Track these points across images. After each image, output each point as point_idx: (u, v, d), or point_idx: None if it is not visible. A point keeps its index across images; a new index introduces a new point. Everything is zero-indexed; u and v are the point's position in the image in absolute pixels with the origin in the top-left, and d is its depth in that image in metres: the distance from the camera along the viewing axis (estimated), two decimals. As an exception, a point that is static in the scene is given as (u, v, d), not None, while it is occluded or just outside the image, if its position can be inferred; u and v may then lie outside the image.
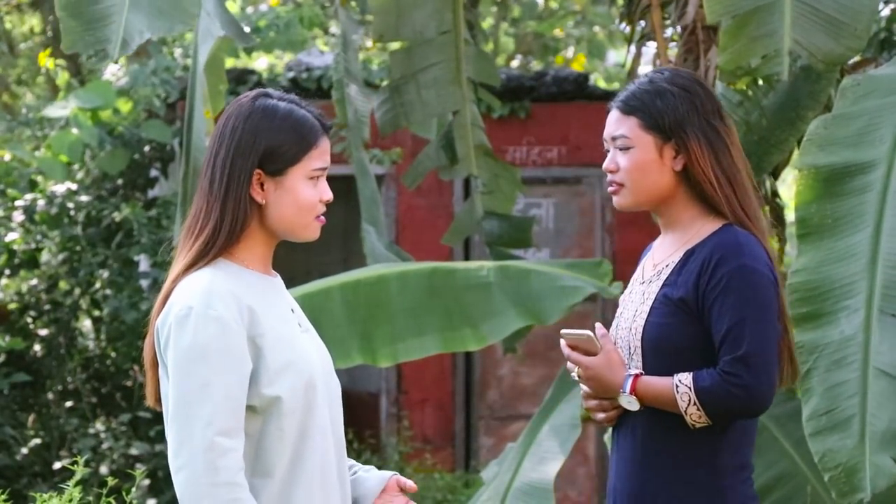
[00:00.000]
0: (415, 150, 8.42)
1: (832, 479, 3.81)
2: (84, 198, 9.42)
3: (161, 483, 8.93)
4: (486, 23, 14.30)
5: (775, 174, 6.17)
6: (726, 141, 3.45)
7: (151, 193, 9.75)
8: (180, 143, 9.46)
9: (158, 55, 9.96)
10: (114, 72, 9.52)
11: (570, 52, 15.66)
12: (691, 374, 3.32)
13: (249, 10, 12.26)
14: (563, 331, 3.48)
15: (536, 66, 14.84)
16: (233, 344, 2.94)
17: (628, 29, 6.56)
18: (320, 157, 3.07)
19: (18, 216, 9.38)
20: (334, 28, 12.61)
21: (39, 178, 9.59)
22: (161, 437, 8.86)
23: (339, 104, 7.05)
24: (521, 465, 5.36)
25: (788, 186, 13.40)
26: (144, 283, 9.24)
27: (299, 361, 3.02)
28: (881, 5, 7.25)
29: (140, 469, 4.50)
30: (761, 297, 3.33)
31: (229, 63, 11.32)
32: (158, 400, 3.05)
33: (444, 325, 5.48)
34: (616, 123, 3.48)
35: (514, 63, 15.03)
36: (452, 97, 6.89)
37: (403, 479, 3.16)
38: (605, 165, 3.50)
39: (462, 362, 10.44)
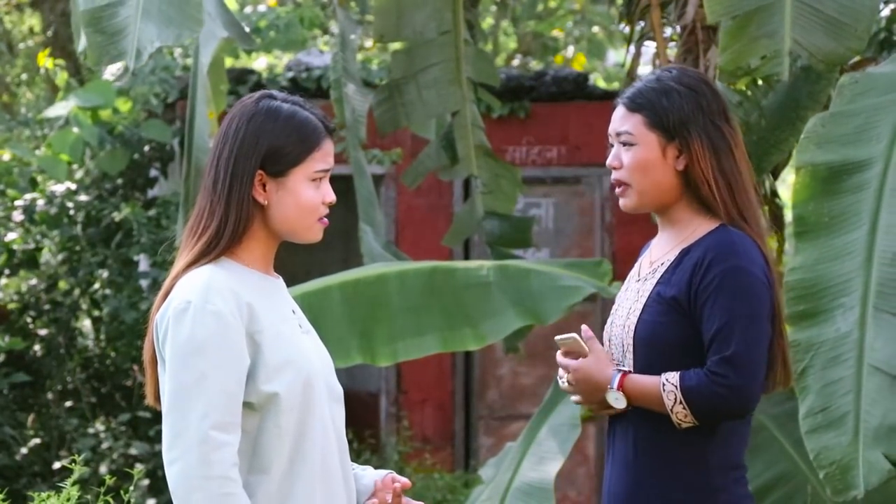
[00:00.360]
0: (415, 150, 8.42)
1: (827, 476, 3.82)
2: (84, 197, 9.42)
3: (160, 483, 8.92)
4: (486, 23, 14.30)
5: (775, 174, 6.18)
6: (730, 143, 3.45)
7: (151, 193, 9.75)
8: (180, 142, 9.47)
9: (158, 55, 9.95)
10: (113, 71, 9.51)
11: (569, 51, 15.67)
12: (678, 373, 3.33)
13: (249, 10, 12.26)
14: (557, 337, 3.49)
15: (536, 65, 14.84)
16: (230, 339, 2.95)
17: (628, 29, 6.56)
18: (323, 158, 3.07)
19: (18, 216, 9.37)
20: (334, 28, 12.61)
21: (39, 178, 9.59)
22: (160, 437, 8.83)
23: (338, 104, 7.05)
24: (521, 464, 5.36)
25: (788, 187, 13.39)
26: (144, 282, 9.24)
27: (298, 359, 3.02)
28: (881, 5, 7.25)
29: (139, 469, 4.50)
30: (752, 298, 3.33)
31: (229, 63, 11.32)
32: (158, 398, 3.05)
33: (444, 324, 5.49)
34: (621, 120, 3.47)
35: (514, 63, 15.03)
36: (452, 97, 6.89)
37: (398, 477, 3.17)
38: (608, 161, 3.49)
39: (462, 362, 10.44)
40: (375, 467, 3.23)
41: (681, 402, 3.31)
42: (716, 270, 3.33)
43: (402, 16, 6.79)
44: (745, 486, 3.43)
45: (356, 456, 9.25)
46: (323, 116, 3.11)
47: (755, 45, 4.68)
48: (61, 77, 10.00)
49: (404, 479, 3.16)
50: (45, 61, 10.37)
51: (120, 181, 9.63)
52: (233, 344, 2.95)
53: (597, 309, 9.93)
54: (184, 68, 10.08)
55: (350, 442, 9.70)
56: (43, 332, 9.43)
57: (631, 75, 6.58)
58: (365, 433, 10.07)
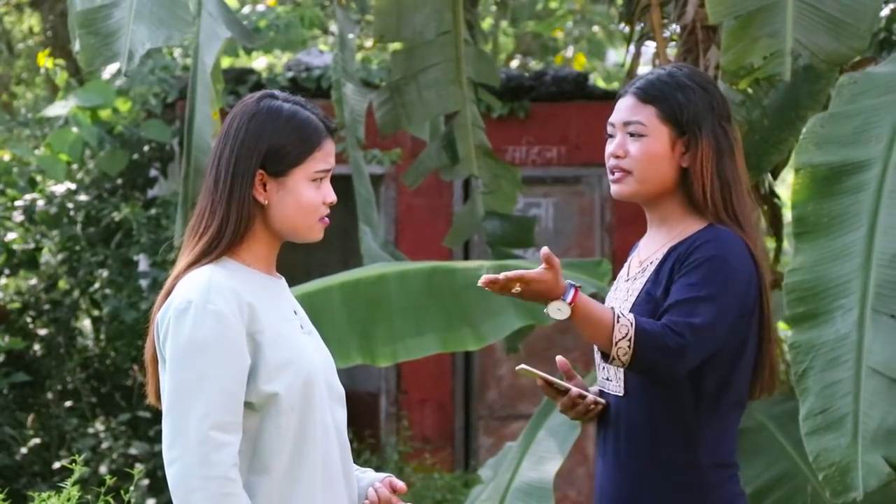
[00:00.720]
0: (415, 150, 8.42)
1: (826, 478, 3.82)
2: (83, 197, 9.42)
3: (160, 483, 8.92)
4: (487, 23, 14.30)
5: (774, 174, 6.18)
6: (732, 146, 3.44)
7: (151, 193, 9.75)
8: (180, 142, 9.47)
9: (157, 55, 9.95)
10: (112, 72, 9.51)
11: (569, 51, 15.67)
12: (634, 314, 3.28)
13: (248, 9, 12.25)
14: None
15: (536, 65, 14.84)
16: (231, 339, 2.95)
17: (627, 29, 6.56)
18: (324, 158, 3.07)
19: (18, 216, 9.38)
20: (334, 28, 12.61)
21: (39, 178, 9.59)
22: (160, 437, 8.82)
23: (338, 104, 7.05)
24: (521, 464, 5.36)
25: (788, 186, 13.39)
26: (144, 282, 9.24)
27: (298, 360, 3.02)
28: (882, 5, 7.24)
29: (139, 469, 4.50)
30: (728, 284, 3.30)
31: (228, 62, 11.32)
32: (159, 398, 3.05)
33: (444, 324, 5.48)
34: (631, 109, 3.44)
35: (514, 63, 15.03)
36: (452, 97, 6.89)
37: (395, 480, 3.16)
38: (611, 150, 3.45)
39: (461, 362, 10.44)
40: (375, 467, 3.23)
41: (629, 339, 3.24)
42: (697, 255, 3.33)
43: (401, 16, 6.79)
44: (737, 483, 3.43)
45: (356, 456, 9.25)
46: (324, 116, 3.11)
47: (757, 45, 4.68)
48: (61, 77, 10.00)
49: (400, 484, 3.16)
50: (44, 61, 10.37)
51: (120, 181, 9.63)
52: (233, 344, 2.95)
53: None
54: (183, 68, 10.08)
55: (350, 442, 9.68)
56: (43, 331, 9.43)
57: (631, 75, 6.58)
58: (365, 433, 10.08)
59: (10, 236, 9.34)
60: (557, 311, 3.27)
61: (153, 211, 9.28)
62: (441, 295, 5.51)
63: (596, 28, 15.61)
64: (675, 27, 6.17)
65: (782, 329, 7.30)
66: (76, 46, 5.22)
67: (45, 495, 4.04)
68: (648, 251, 3.49)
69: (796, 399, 4.29)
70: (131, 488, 4.21)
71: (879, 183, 4.09)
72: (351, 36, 7.33)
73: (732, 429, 3.42)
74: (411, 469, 9.82)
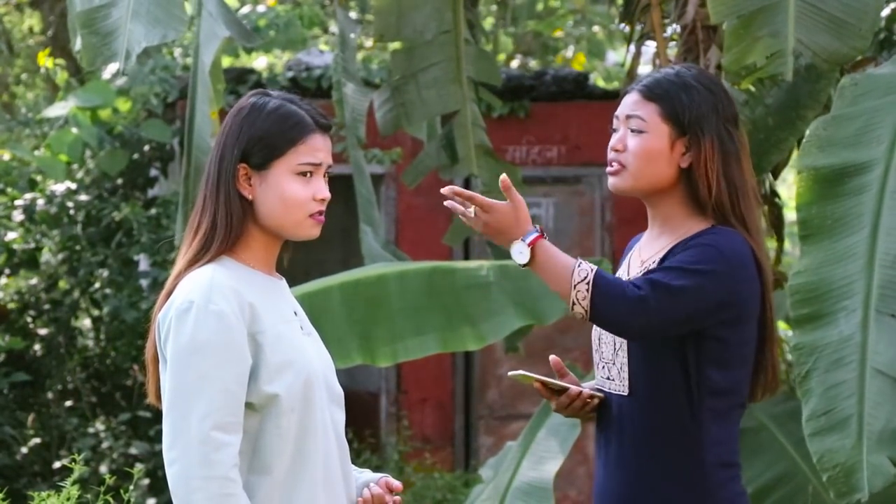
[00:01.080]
0: (415, 150, 8.41)
1: (830, 479, 3.82)
2: (84, 197, 9.42)
3: (160, 482, 8.92)
4: (487, 22, 14.30)
5: (775, 174, 6.18)
6: (738, 150, 3.44)
7: (151, 193, 9.75)
8: (180, 142, 9.46)
9: (157, 54, 9.95)
10: (112, 71, 9.51)
11: (569, 51, 15.66)
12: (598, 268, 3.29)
13: (247, 9, 12.25)
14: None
15: (536, 65, 14.84)
16: (233, 339, 2.94)
17: (628, 28, 6.56)
18: (309, 152, 3.05)
19: (18, 215, 9.37)
20: (334, 27, 12.60)
21: (39, 178, 9.59)
22: (160, 437, 8.82)
23: (339, 104, 7.05)
24: (521, 464, 5.36)
25: (788, 186, 13.41)
26: (144, 282, 9.24)
27: (298, 360, 3.02)
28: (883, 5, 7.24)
29: (139, 468, 4.50)
30: (715, 268, 3.29)
31: (228, 62, 11.32)
32: (159, 397, 3.05)
33: (444, 324, 5.48)
34: (634, 105, 3.44)
35: (514, 63, 15.03)
36: (453, 97, 6.89)
37: (391, 480, 3.16)
38: (612, 143, 3.45)
39: (462, 362, 10.43)
40: (375, 467, 3.24)
41: (588, 283, 3.24)
42: (694, 241, 3.33)
43: (402, 15, 6.79)
44: (739, 483, 3.43)
45: (356, 455, 9.25)
46: (315, 112, 3.09)
47: (759, 45, 4.68)
48: (61, 77, 10.00)
49: (397, 483, 3.16)
50: (45, 61, 10.37)
51: (120, 181, 9.63)
52: (235, 344, 2.95)
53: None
54: (184, 68, 10.07)
55: (350, 442, 9.69)
56: (43, 331, 9.43)
57: (631, 75, 6.58)
58: (365, 433, 10.07)
59: (11, 236, 9.34)
60: (519, 254, 3.28)
61: (153, 211, 9.28)
62: (441, 295, 5.51)
63: (596, 28, 15.60)
64: (676, 27, 6.17)
65: (783, 329, 7.31)
66: (77, 46, 5.24)
67: (44, 495, 4.05)
68: (651, 251, 3.48)
69: (796, 399, 4.29)
70: (131, 488, 4.21)
71: (882, 184, 4.09)
72: (352, 35, 7.32)
73: (734, 429, 3.42)
74: (411, 469, 9.82)
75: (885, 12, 7.17)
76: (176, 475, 2.91)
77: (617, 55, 15.79)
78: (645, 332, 3.30)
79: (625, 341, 3.40)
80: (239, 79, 10.08)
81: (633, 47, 6.54)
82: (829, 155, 4.20)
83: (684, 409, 3.36)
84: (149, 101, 9.51)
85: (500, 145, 9.46)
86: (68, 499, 3.99)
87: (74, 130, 9.22)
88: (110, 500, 4.10)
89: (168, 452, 2.93)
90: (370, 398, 10.46)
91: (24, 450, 9.11)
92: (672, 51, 6.22)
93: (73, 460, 4.07)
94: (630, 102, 3.45)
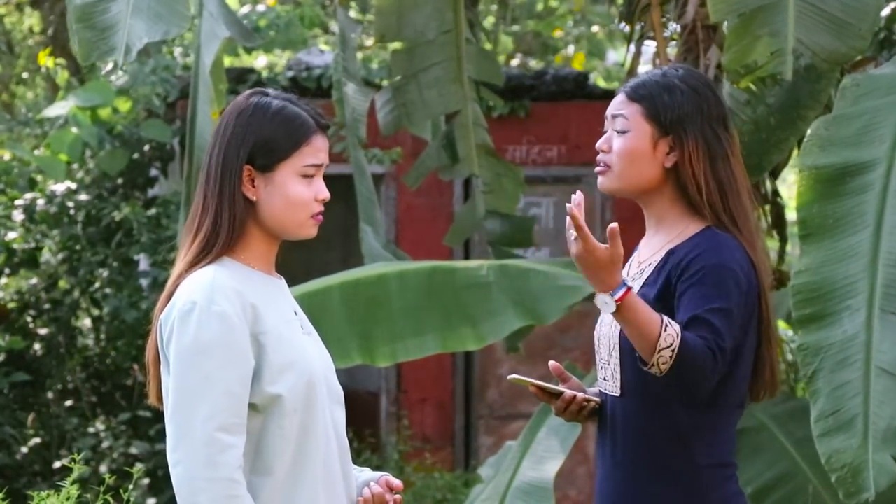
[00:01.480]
0: (415, 150, 8.42)
1: (839, 479, 3.82)
2: (84, 197, 9.42)
3: (160, 482, 8.93)
4: (488, 21, 14.30)
5: (775, 174, 6.18)
6: (726, 149, 3.44)
7: (151, 193, 9.75)
8: (180, 142, 9.47)
9: (158, 54, 9.95)
10: (109, 66, 9.50)
11: (569, 51, 15.66)
12: (680, 327, 3.26)
13: (247, 9, 12.25)
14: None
15: (536, 65, 14.84)
16: (236, 340, 2.94)
17: (628, 28, 6.56)
18: (313, 153, 3.06)
19: (18, 215, 9.37)
20: (334, 27, 12.60)
21: (39, 178, 9.58)
22: (161, 437, 8.86)
23: (339, 104, 7.05)
24: (521, 464, 5.36)
25: (789, 186, 13.40)
26: (144, 282, 9.24)
27: (300, 361, 3.02)
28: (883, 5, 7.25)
29: (139, 468, 4.50)
30: (729, 293, 3.30)
31: (229, 62, 11.31)
32: (160, 398, 3.05)
33: (443, 324, 5.48)
34: (619, 105, 3.48)
35: (514, 62, 15.03)
36: (454, 96, 6.89)
37: (392, 479, 3.16)
38: (598, 143, 3.49)
39: (462, 362, 10.43)
40: (375, 467, 3.24)
41: (672, 349, 3.23)
42: (696, 266, 3.33)
43: (402, 15, 6.79)
44: (735, 483, 3.43)
45: (356, 455, 9.25)
46: (315, 113, 3.09)
47: (759, 44, 4.68)
48: (61, 76, 10.00)
49: (397, 482, 3.16)
50: (45, 60, 10.37)
51: (120, 181, 9.63)
52: (238, 345, 2.94)
53: (596, 308, 9.91)
54: (184, 67, 10.07)
55: (350, 441, 9.67)
56: (43, 331, 9.43)
57: (631, 75, 6.57)
58: (365, 433, 10.07)
59: (11, 236, 9.34)
60: (604, 304, 3.28)
61: (153, 210, 9.28)
62: (441, 295, 5.51)
63: (596, 28, 15.60)
64: (676, 26, 6.17)
65: (783, 329, 7.30)
66: (75, 42, 5.22)
67: (44, 494, 4.04)
68: (647, 253, 3.50)
69: (796, 399, 4.29)
70: (131, 488, 4.21)
71: (884, 183, 4.09)
72: (353, 35, 7.32)
73: (731, 429, 3.42)
74: (411, 469, 9.82)
75: (885, 12, 7.17)
76: (180, 477, 2.91)
77: (617, 55, 15.79)
78: (717, 375, 3.31)
79: (618, 342, 3.41)
80: (239, 79, 10.08)
81: (633, 47, 6.54)
82: (831, 154, 4.20)
83: (678, 410, 3.36)
84: (150, 101, 9.50)
85: (500, 145, 9.46)
86: (68, 498, 3.99)
87: (74, 130, 9.22)
88: (110, 499, 4.10)
89: (172, 454, 2.93)
90: (370, 398, 10.46)
91: (24, 449, 9.12)
92: (672, 50, 6.23)
93: (73, 460, 4.07)
94: (616, 102, 3.49)
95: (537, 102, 10.50)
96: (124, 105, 9.63)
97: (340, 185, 6.40)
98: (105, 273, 9.30)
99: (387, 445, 10.18)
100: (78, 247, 9.39)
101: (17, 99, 12.92)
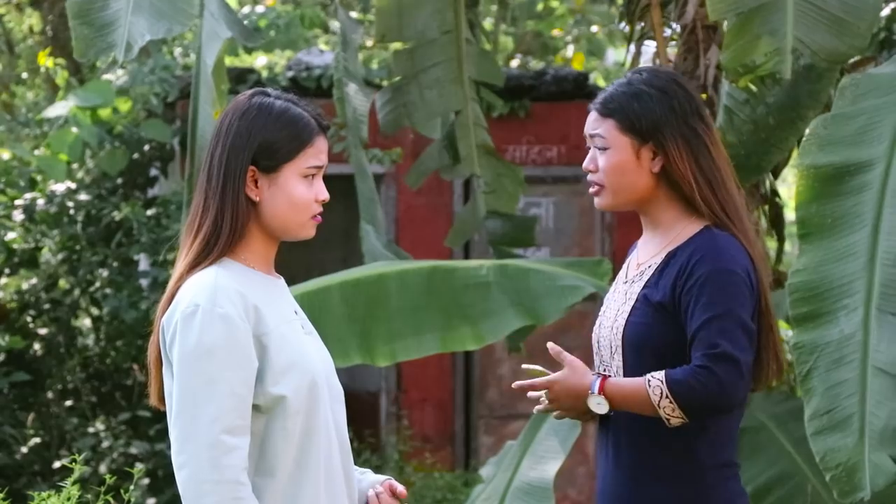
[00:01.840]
0: (415, 150, 8.42)
1: (833, 478, 3.82)
2: (84, 197, 9.42)
3: (160, 482, 8.93)
4: (488, 23, 14.29)
5: (775, 173, 6.17)
6: (706, 141, 3.47)
7: (151, 192, 9.75)
8: (180, 142, 9.47)
9: (157, 54, 9.95)
10: (108, 63, 9.50)
11: (569, 51, 15.66)
12: (664, 370, 3.33)
13: (247, 9, 12.25)
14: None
15: (536, 65, 14.84)
16: (239, 342, 2.94)
17: (628, 28, 6.55)
18: (315, 155, 3.06)
19: (18, 215, 9.37)
20: (334, 27, 12.59)
21: (39, 178, 9.59)
22: (160, 436, 8.87)
23: (340, 103, 7.04)
24: (521, 463, 5.36)
25: (789, 186, 13.40)
26: (144, 282, 9.24)
27: (302, 361, 3.02)
28: (882, 4, 7.25)
29: (139, 468, 4.50)
30: (734, 298, 3.33)
31: (229, 62, 11.31)
32: (161, 399, 3.05)
33: (443, 324, 5.48)
34: (594, 124, 3.50)
35: (514, 62, 15.03)
36: (454, 97, 6.89)
37: (396, 484, 3.16)
38: (584, 165, 3.53)
39: (462, 361, 10.43)
40: (375, 467, 3.24)
41: (667, 397, 3.30)
42: (699, 273, 3.35)
43: (403, 15, 6.79)
44: (738, 482, 3.44)
45: (356, 455, 9.25)
46: (317, 113, 3.10)
47: (758, 43, 4.68)
48: (61, 76, 10.00)
49: (401, 488, 3.16)
50: (45, 60, 10.37)
51: (120, 181, 9.63)
52: (241, 347, 2.94)
53: (597, 309, 9.91)
54: (184, 67, 10.07)
55: (350, 441, 9.68)
56: (43, 331, 9.43)
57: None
58: (365, 432, 10.07)
59: (10, 236, 9.34)
60: (598, 405, 3.39)
61: (153, 210, 9.28)
62: (441, 295, 5.51)
63: (595, 28, 15.60)
64: (676, 26, 6.17)
65: (783, 329, 7.30)
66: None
67: (44, 494, 4.04)
68: (647, 254, 3.51)
69: (796, 399, 4.29)
70: (131, 487, 4.21)
71: (882, 183, 4.09)
72: (354, 35, 7.32)
73: (733, 428, 3.43)
74: (411, 468, 9.82)
75: (885, 12, 7.17)
76: (186, 480, 2.91)
77: (617, 55, 15.78)
78: (738, 394, 3.34)
79: (621, 346, 3.42)
80: (239, 78, 10.08)
81: (633, 47, 6.53)
82: (830, 153, 4.20)
83: (678, 411, 3.37)
84: (148, 101, 9.50)
85: (500, 145, 9.46)
86: (68, 499, 3.99)
87: (74, 130, 9.22)
88: (110, 499, 4.10)
89: (177, 457, 2.93)
90: (370, 398, 10.46)
91: (24, 449, 9.12)
92: (672, 50, 6.22)
93: (73, 460, 4.07)
94: (590, 121, 3.52)
95: (537, 102, 10.50)
96: (124, 105, 9.63)
97: (340, 185, 6.40)
98: (105, 273, 9.30)
99: (387, 445, 10.18)
100: (78, 247, 9.39)
101: (17, 99, 12.91)
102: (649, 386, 3.32)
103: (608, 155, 3.46)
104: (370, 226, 6.78)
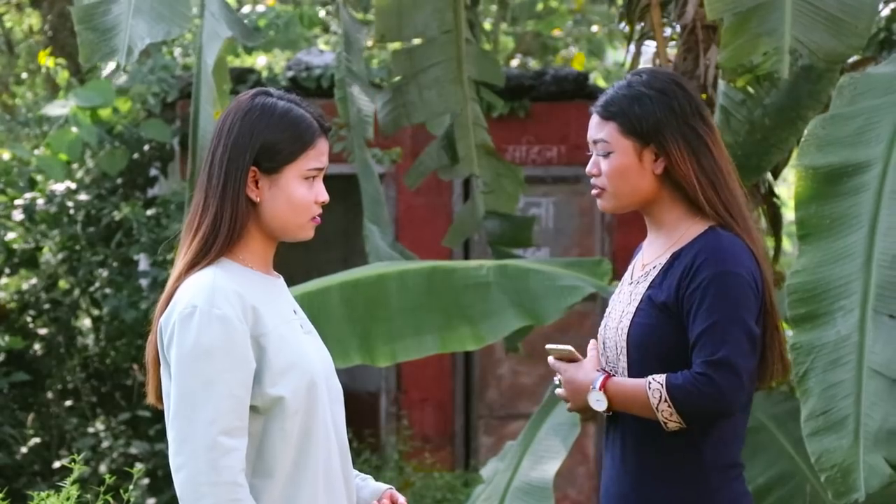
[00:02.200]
0: (415, 150, 8.42)
1: (828, 479, 3.82)
2: (84, 197, 9.42)
3: (160, 482, 8.93)
4: (488, 24, 14.29)
5: (775, 174, 6.18)
6: (707, 141, 3.47)
7: (151, 192, 9.75)
8: (180, 142, 9.47)
9: (157, 54, 9.95)
10: (112, 68, 9.51)
11: (569, 51, 15.66)
12: (665, 374, 3.34)
13: (247, 9, 12.24)
14: (549, 346, 3.53)
15: (536, 65, 14.84)
16: (237, 343, 2.94)
17: (628, 28, 6.56)
18: (316, 157, 3.06)
19: (18, 215, 9.37)
20: (335, 27, 12.60)
21: (39, 177, 9.59)
22: (160, 436, 8.87)
23: (341, 103, 7.04)
24: (521, 463, 5.36)
25: (789, 186, 13.40)
26: (144, 282, 9.24)
27: (301, 362, 3.02)
28: (881, 5, 7.25)
29: (139, 468, 4.50)
30: (738, 301, 3.34)
31: (229, 62, 11.30)
32: (159, 398, 3.04)
33: (443, 324, 5.48)
34: (596, 128, 3.51)
35: (514, 62, 15.03)
36: (454, 97, 6.89)
37: (397, 494, 3.16)
38: (587, 169, 3.54)
39: (462, 362, 10.43)
40: (375, 467, 3.23)
41: (666, 401, 3.31)
42: (703, 275, 3.35)
43: (403, 15, 6.79)
44: (742, 483, 3.44)
45: (356, 455, 9.25)
46: (318, 115, 3.10)
47: (756, 43, 4.67)
48: (61, 76, 10.00)
49: (402, 499, 3.16)
50: (45, 60, 10.37)
51: (120, 181, 9.63)
52: (239, 348, 2.94)
53: (596, 309, 9.92)
54: (184, 67, 10.07)
55: (350, 441, 9.65)
56: (43, 331, 9.43)
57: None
58: (365, 432, 10.07)
59: (10, 236, 9.34)
60: (597, 402, 3.42)
61: (153, 210, 9.28)
62: (441, 295, 5.51)
63: (596, 28, 15.60)
64: (676, 26, 6.17)
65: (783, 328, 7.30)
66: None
67: (44, 494, 4.04)
68: (651, 255, 3.51)
69: (796, 399, 4.28)
70: (131, 487, 4.21)
71: (880, 183, 4.09)
72: (358, 36, 7.32)
73: (739, 427, 3.44)
74: (411, 468, 9.82)
75: (885, 12, 7.17)
76: (183, 481, 2.90)
77: (617, 55, 15.79)
78: (738, 400, 3.35)
79: (626, 346, 3.43)
80: (239, 78, 10.08)
81: (633, 47, 6.54)
82: (828, 154, 4.20)
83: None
84: (147, 101, 9.50)
85: (500, 145, 9.46)
86: (68, 498, 3.99)
87: (74, 130, 9.22)
88: (110, 499, 4.10)
89: (175, 458, 2.92)
90: (370, 398, 10.46)
91: (24, 449, 9.12)
92: (672, 50, 6.22)
93: (73, 460, 4.07)
94: (593, 125, 3.53)
95: (537, 102, 10.50)
96: (124, 105, 9.63)
97: (339, 186, 6.40)
98: (105, 273, 9.30)
99: (387, 445, 10.18)
100: (78, 247, 9.39)
101: (17, 99, 12.91)
102: (649, 388, 3.33)
103: (611, 159, 3.47)
104: (375, 225, 6.78)
